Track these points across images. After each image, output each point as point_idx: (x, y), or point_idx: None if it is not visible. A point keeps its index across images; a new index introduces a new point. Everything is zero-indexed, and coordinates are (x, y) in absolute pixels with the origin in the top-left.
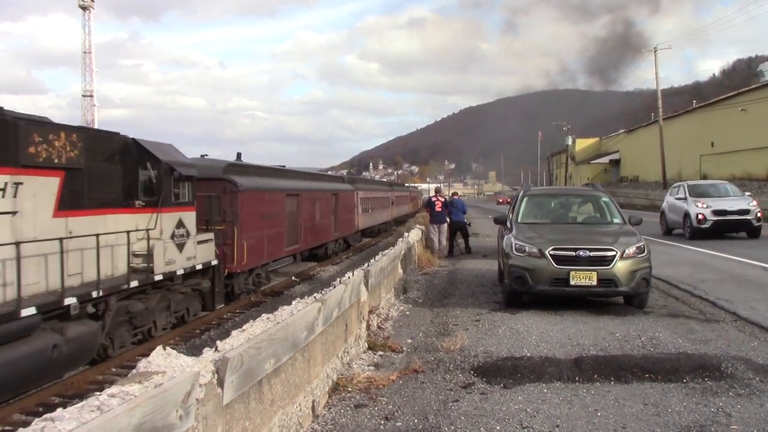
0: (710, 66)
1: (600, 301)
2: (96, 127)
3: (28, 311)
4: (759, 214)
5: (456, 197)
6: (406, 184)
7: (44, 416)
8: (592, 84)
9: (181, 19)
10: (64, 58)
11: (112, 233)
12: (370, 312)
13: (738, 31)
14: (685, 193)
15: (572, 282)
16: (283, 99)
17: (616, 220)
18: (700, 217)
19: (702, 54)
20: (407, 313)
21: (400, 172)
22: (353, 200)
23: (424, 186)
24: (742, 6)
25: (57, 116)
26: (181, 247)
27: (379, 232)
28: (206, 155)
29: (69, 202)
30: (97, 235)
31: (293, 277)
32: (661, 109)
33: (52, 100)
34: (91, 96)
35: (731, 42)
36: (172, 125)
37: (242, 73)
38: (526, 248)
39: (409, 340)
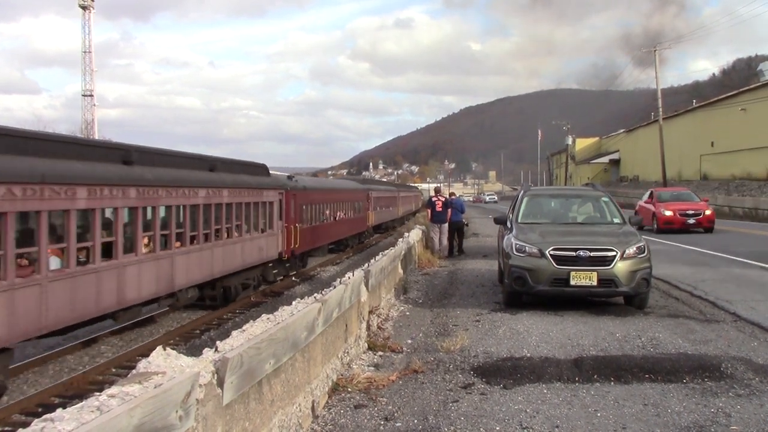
0: (703, 66)
1: (600, 301)
2: (95, 126)
3: None
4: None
5: (453, 197)
6: (412, 185)
7: (44, 416)
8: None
9: (174, 21)
10: (57, 58)
11: None
12: (371, 312)
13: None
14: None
15: (572, 282)
16: (278, 99)
17: (616, 220)
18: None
19: (693, 55)
20: (407, 313)
21: (400, 171)
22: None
23: (425, 186)
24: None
25: (53, 116)
26: None
27: (387, 229)
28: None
29: None
30: None
31: (293, 278)
32: (661, 109)
33: (46, 100)
34: (92, 95)
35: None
36: (169, 125)
37: (237, 74)
38: (527, 248)
39: (409, 341)
